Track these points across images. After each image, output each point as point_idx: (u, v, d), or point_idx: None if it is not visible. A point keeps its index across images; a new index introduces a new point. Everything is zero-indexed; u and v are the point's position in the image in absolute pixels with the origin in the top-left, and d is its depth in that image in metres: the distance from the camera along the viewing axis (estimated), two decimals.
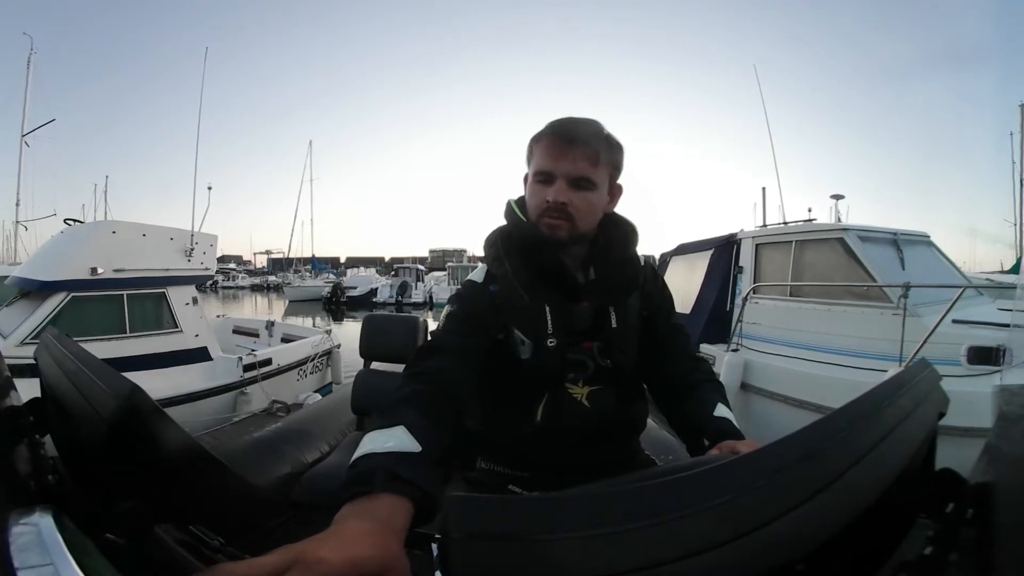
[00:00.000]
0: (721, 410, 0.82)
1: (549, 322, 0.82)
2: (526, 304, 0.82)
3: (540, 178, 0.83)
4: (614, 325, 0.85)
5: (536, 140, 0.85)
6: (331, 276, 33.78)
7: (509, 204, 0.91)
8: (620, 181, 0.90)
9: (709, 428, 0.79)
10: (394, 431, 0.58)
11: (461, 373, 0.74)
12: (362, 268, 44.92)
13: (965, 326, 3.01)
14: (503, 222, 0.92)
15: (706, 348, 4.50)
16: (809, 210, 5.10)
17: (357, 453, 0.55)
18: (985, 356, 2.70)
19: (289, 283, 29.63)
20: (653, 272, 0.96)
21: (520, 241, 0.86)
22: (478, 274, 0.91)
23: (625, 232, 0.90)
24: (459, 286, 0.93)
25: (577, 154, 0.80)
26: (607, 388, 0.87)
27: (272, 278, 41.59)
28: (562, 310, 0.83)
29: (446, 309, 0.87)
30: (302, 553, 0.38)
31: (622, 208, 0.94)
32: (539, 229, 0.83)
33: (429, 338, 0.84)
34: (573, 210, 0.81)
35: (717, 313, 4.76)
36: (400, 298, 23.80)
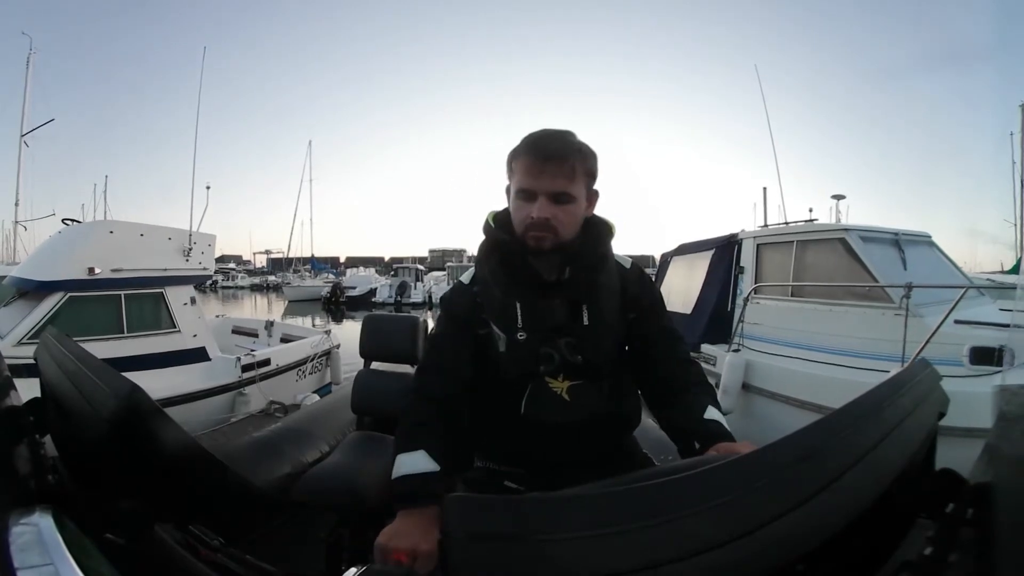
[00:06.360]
0: (711, 412, 0.83)
1: (519, 317, 0.87)
2: (501, 301, 0.88)
3: (522, 196, 0.86)
4: (586, 322, 0.88)
5: (514, 157, 0.88)
6: (331, 276, 33.62)
7: (486, 219, 0.95)
8: (601, 186, 0.93)
9: (700, 430, 0.81)
10: (418, 455, 0.79)
11: (455, 388, 0.89)
12: (362, 268, 44.81)
13: (967, 326, 3.00)
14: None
15: (707, 348, 4.50)
16: (810, 210, 5.09)
17: (396, 473, 0.79)
18: (987, 356, 2.70)
19: (288, 283, 29.51)
20: (639, 275, 0.98)
21: (498, 249, 0.91)
22: (466, 276, 0.99)
23: (600, 232, 0.93)
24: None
25: (555, 171, 0.84)
26: (588, 384, 0.90)
27: (272, 278, 41.45)
28: (533, 306, 0.88)
29: (439, 312, 0.97)
30: (384, 544, 0.66)
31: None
32: (525, 242, 0.87)
33: (427, 343, 0.95)
34: (556, 223, 0.84)
35: (718, 313, 4.75)
36: (400, 298, 23.73)
